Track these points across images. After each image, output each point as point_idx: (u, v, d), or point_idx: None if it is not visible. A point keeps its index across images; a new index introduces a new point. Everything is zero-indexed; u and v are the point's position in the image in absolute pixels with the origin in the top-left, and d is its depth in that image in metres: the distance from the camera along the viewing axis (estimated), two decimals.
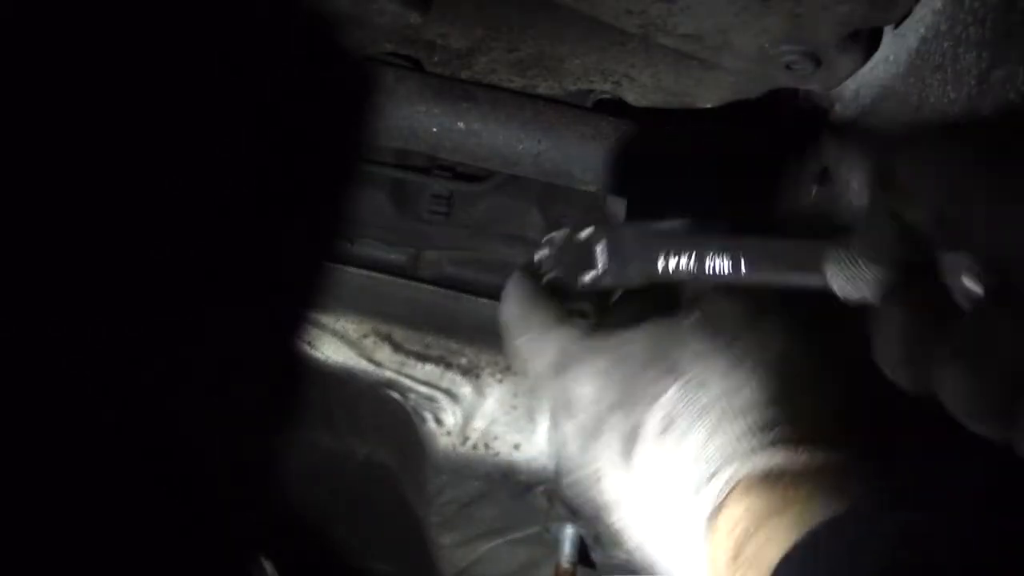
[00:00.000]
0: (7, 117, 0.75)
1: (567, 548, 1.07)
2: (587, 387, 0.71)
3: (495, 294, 1.35)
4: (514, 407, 1.29)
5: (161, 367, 0.84)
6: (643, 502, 0.68)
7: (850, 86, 0.92)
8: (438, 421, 1.29)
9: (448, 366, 1.29)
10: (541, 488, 1.30)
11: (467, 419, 1.29)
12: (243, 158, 0.96)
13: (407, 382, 1.29)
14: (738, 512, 0.63)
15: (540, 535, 1.28)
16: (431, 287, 1.31)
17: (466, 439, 1.29)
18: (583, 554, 1.08)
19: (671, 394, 0.67)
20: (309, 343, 1.26)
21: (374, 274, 1.30)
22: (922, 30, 0.81)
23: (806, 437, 0.64)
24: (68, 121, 0.79)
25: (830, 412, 0.66)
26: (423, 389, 1.29)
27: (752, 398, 0.66)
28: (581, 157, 1.03)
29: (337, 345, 1.28)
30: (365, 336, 1.29)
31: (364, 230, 1.30)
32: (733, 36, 0.87)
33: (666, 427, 0.67)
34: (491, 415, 1.29)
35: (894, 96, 0.85)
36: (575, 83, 1.04)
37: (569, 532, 1.06)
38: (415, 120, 1.02)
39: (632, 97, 1.05)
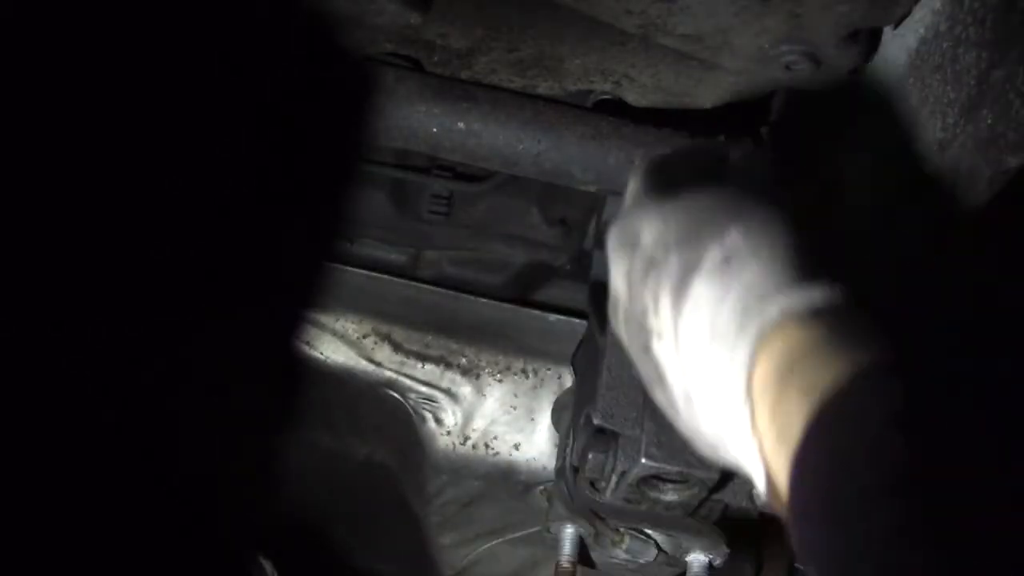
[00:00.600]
0: (6, 116, 0.75)
1: (567, 548, 1.07)
2: (654, 224, 0.77)
3: (495, 294, 1.35)
4: (514, 407, 1.29)
5: (161, 367, 0.84)
6: (692, 330, 0.72)
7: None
8: (438, 421, 1.29)
9: (448, 366, 1.29)
10: (541, 488, 1.30)
11: (467, 419, 1.29)
12: (243, 158, 0.96)
13: (407, 382, 1.29)
14: (790, 338, 0.67)
15: (540, 535, 1.28)
16: (431, 287, 1.31)
17: (466, 439, 1.29)
18: (583, 554, 1.08)
19: (733, 234, 0.72)
20: (309, 343, 1.26)
21: (374, 274, 1.30)
22: (921, 31, 0.81)
23: (852, 277, 0.69)
24: (67, 121, 0.79)
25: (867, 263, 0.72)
26: (423, 389, 1.29)
27: (807, 245, 0.71)
28: (581, 157, 1.03)
29: (337, 345, 1.28)
30: (365, 336, 1.29)
31: (364, 230, 1.30)
32: (733, 36, 0.87)
33: (726, 261, 0.72)
34: (491, 415, 1.29)
35: (894, 96, 0.85)
36: (575, 83, 1.04)
37: (569, 532, 1.06)
38: (415, 120, 1.01)
39: (632, 97, 1.04)
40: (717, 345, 0.71)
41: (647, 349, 0.77)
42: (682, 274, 0.74)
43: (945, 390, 0.56)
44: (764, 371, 0.67)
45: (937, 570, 0.51)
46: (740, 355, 0.68)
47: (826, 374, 0.61)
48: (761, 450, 0.67)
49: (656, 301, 0.75)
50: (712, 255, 0.72)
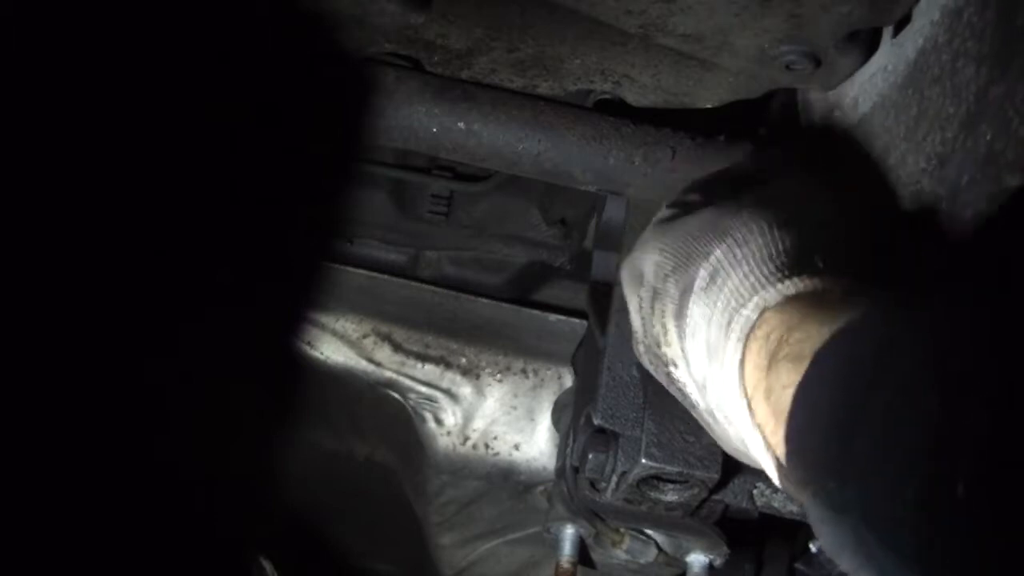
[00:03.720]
0: (8, 117, 0.76)
1: (567, 548, 1.06)
2: (651, 259, 0.81)
3: (495, 294, 1.35)
4: (514, 407, 1.29)
5: (161, 367, 0.84)
6: (695, 349, 0.76)
7: (849, 93, 0.92)
8: (438, 421, 1.29)
9: (448, 366, 1.29)
10: (541, 488, 1.30)
11: (467, 419, 1.29)
12: (243, 158, 0.96)
13: (407, 382, 1.29)
14: (772, 324, 0.68)
15: (540, 535, 1.28)
16: (431, 287, 1.31)
17: (466, 439, 1.29)
18: (583, 554, 1.08)
19: (717, 253, 0.75)
20: (309, 343, 1.26)
21: (374, 274, 1.30)
22: (920, 41, 0.80)
23: (830, 267, 0.71)
24: (69, 122, 0.79)
25: (850, 255, 0.75)
26: (423, 389, 1.29)
27: (783, 247, 0.74)
28: (581, 157, 1.03)
29: (337, 345, 1.28)
30: (365, 336, 1.29)
31: (364, 230, 1.30)
32: (733, 36, 0.87)
33: (712, 278, 0.75)
34: (491, 415, 1.29)
35: (892, 106, 0.84)
36: (575, 83, 1.04)
37: (569, 532, 1.06)
38: (415, 120, 1.01)
39: (632, 97, 1.04)
40: (713, 361, 0.74)
41: (670, 378, 0.81)
42: (680, 298, 0.78)
43: (925, 328, 0.57)
44: (752, 365, 0.69)
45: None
46: (730, 361, 0.71)
47: (809, 344, 0.62)
48: (765, 440, 0.68)
49: (665, 328, 0.80)
50: (701, 275, 0.76)
